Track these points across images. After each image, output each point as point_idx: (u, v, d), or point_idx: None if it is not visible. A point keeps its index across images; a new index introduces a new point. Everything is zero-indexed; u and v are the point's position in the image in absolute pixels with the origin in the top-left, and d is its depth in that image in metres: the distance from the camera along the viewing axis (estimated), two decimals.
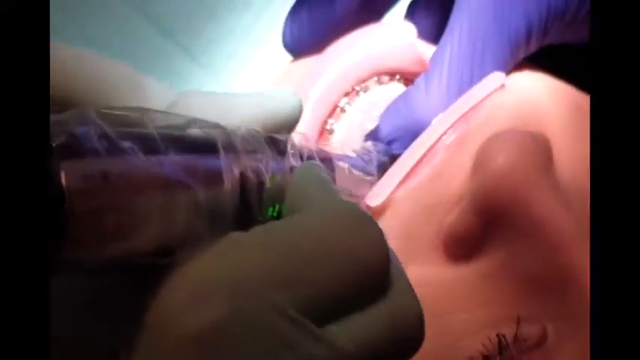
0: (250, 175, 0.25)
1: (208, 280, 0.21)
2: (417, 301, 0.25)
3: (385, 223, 0.33)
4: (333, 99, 0.39)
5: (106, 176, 0.20)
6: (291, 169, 0.27)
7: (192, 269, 0.22)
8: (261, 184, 0.25)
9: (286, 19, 0.43)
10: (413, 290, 0.25)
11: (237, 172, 0.24)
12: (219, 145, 0.24)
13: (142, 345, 0.21)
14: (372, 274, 0.23)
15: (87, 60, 0.26)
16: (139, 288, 0.22)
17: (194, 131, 0.24)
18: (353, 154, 0.34)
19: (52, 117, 0.21)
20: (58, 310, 0.22)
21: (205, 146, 0.24)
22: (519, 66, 0.37)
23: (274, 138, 0.27)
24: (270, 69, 0.64)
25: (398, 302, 0.24)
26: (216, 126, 0.25)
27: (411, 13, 0.43)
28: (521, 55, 0.36)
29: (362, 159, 0.35)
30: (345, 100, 0.39)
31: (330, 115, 0.39)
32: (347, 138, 0.39)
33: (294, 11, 0.43)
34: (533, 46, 0.36)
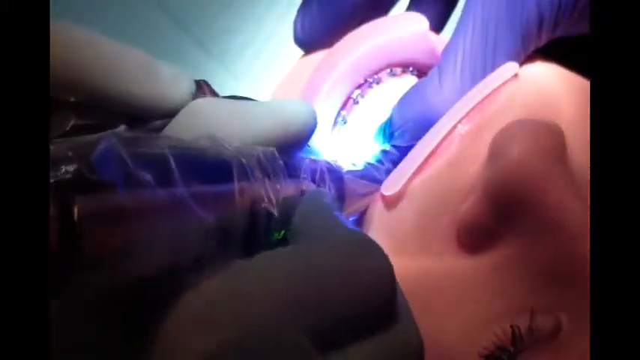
0: (261, 201, 0.25)
1: (213, 307, 0.22)
2: (420, 338, 0.25)
3: (400, 213, 0.34)
4: (345, 91, 0.39)
5: (120, 213, 0.20)
6: (302, 192, 0.28)
7: (198, 296, 0.22)
8: (270, 210, 0.25)
9: (297, 13, 0.43)
10: (417, 327, 0.25)
11: (248, 199, 0.25)
12: (234, 173, 0.24)
13: None
14: (375, 305, 0.23)
15: (100, 43, 0.26)
16: (147, 314, 0.22)
17: (211, 154, 0.24)
18: (361, 166, 0.35)
19: (72, 140, 0.21)
20: (65, 337, 0.22)
21: (220, 173, 0.24)
22: (531, 57, 0.37)
23: (288, 161, 0.27)
24: (281, 61, 0.63)
25: (401, 337, 0.24)
26: (235, 150, 0.25)
27: (415, 4, 0.43)
28: (533, 47, 0.36)
29: (371, 168, 0.35)
30: (358, 92, 0.39)
31: (344, 107, 0.39)
32: (360, 129, 0.39)
33: (304, 5, 0.42)
34: (544, 38, 0.36)
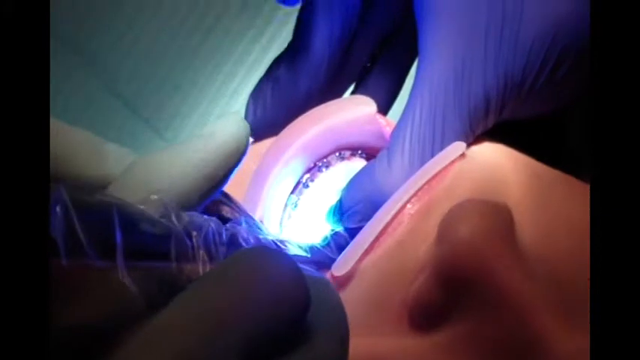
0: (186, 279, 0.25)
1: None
2: (338, 353, 0.25)
3: (351, 293, 0.33)
4: (295, 176, 0.39)
5: (52, 277, 0.20)
6: None
7: (120, 352, 0.21)
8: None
9: (249, 98, 0.43)
10: (336, 343, 0.25)
11: (186, 279, 0.24)
12: (175, 252, 0.24)
13: None
14: (289, 318, 0.23)
15: (53, 128, 0.26)
16: None
17: (158, 229, 0.24)
18: (308, 251, 0.35)
19: None
20: None
21: (164, 251, 0.24)
22: (478, 138, 0.37)
23: (234, 235, 0.28)
24: None
25: (315, 352, 0.24)
26: (183, 224, 0.25)
27: (361, 87, 0.44)
28: (480, 129, 0.36)
29: (319, 252, 0.35)
30: (308, 176, 0.40)
31: (294, 191, 0.39)
32: (311, 213, 0.39)
33: (257, 90, 0.43)
34: (491, 120, 0.36)
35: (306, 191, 0.40)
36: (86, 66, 0.70)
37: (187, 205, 0.27)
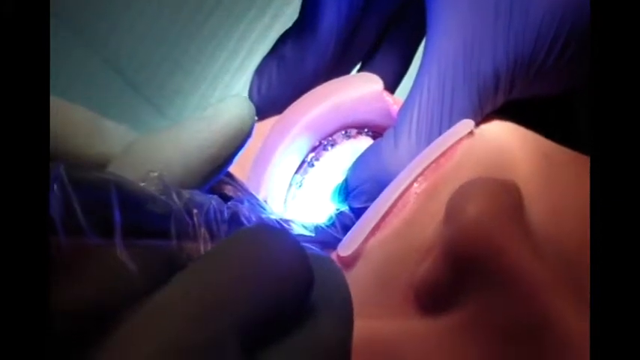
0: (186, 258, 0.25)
1: (132, 336, 0.21)
2: (341, 333, 0.25)
3: (357, 274, 0.33)
4: (300, 154, 0.40)
5: (54, 250, 0.20)
6: None
7: (118, 330, 0.21)
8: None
9: (254, 75, 0.43)
10: (340, 323, 0.25)
11: (187, 257, 0.24)
12: (175, 230, 0.24)
13: None
14: (289, 289, 0.23)
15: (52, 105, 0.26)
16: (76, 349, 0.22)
17: (158, 207, 0.24)
18: (312, 230, 0.35)
19: None
20: None
21: (164, 229, 0.24)
22: (487, 117, 0.37)
23: (235, 213, 0.28)
24: None
25: (318, 331, 0.24)
26: (184, 202, 0.25)
27: (368, 64, 0.44)
28: (489, 108, 0.37)
29: (323, 232, 0.35)
30: (313, 155, 0.40)
31: (298, 170, 0.40)
32: (316, 192, 0.39)
33: (262, 67, 0.43)
34: (501, 99, 0.37)
35: (311, 170, 0.40)
36: (87, 44, 0.70)
37: (189, 186, 0.27)
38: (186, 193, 0.25)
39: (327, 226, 0.35)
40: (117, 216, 0.22)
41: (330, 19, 0.41)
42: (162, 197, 0.24)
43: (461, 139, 0.35)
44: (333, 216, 0.36)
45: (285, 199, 0.39)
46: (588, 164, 0.34)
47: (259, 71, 0.43)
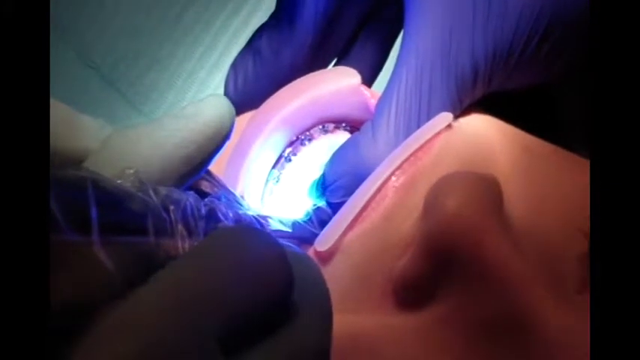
0: (176, 256, 0.25)
1: (109, 335, 0.21)
2: (321, 332, 0.25)
3: (335, 269, 0.34)
4: (277, 149, 0.40)
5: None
6: None
7: (94, 329, 0.21)
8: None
9: (230, 70, 0.43)
10: (319, 321, 0.25)
11: (164, 253, 0.24)
12: (152, 227, 0.24)
13: None
14: (270, 292, 0.24)
15: None
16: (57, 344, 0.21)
17: (136, 204, 0.24)
18: (290, 226, 0.36)
19: None
20: None
21: (141, 226, 0.24)
22: (466, 110, 0.37)
23: (212, 210, 0.28)
24: None
25: (298, 331, 0.24)
26: (161, 198, 0.25)
27: (345, 58, 0.44)
28: (468, 100, 0.37)
29: (300, 227, 0.36)
30: (290, 149, 0.40)
31: (275, 165, 0.40)
32: (293, 187, 0.40)
33: (238, 62, 0.43)
34: (479, 91, 0.37)
35: (288, 165, 0.40)
36: (62, 40, 0.70)
37: (166, 185, 0.27)
38: (163, 190, 0.25)
39: (304, 221, 0.35)
40: (94, 213, 0.22)
41: (308, 13, 0.41)
42: (139, 194, 0.24)
43: (439, 132, 0.35)
44: (311, 211, 0.36)
45: (262, 195, 0.40)
46: (568, 157, 0.37)
47: (235, 66, 0.43)
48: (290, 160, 0.40)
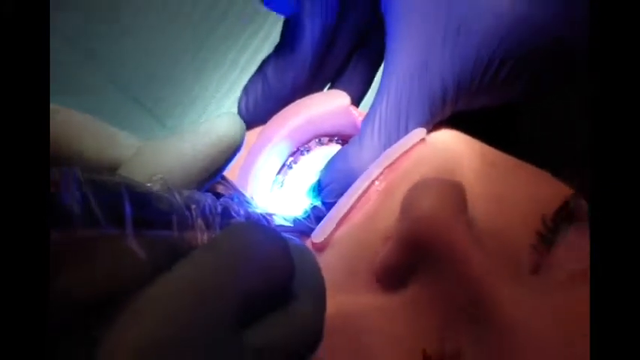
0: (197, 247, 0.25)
1: (145, 312, 0.22)
2: (316, 310, 0.26)
3: (328, 258, 0.34)
4: (281, 158, 0.40)
5: (69, 244, 0.21)
6: None
7: (130, 313, 0.22)
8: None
9: (242, 93, 0.44)
10: (315, 302, 0.26)
11: (187, 245, 0.25)
12: (177, 223, 0.24)
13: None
14: (274, 278, 0.24)
15: (63, 113, 0.27)
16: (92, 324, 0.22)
17: (163, 204, 0.24)
18: (291, 222, 0.36)
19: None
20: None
21: (168, 221, 0.24)
22: (437, 126, 0.38)
23: (226, 207, 0.28)
24: None
25: (298, 310, 0.25)
26: (184, 199, 0.25)
27: (337, 83, 0.45)
28: (438, 118, 0.38)
29: (300, 223, 0.36)
30: (291, 159, 0.41)
31: (279, 172, 0.41)
32: (294, 190, 0.40)
33: (249, 86, 0.43)
34: (448, 111, 0.38)
35: (290, 172, 0.41)
36: (98, 66, 0.69)
37: (187, 189, 0.27)
38: (185, 192, 0.26)
39: (303, 218, 0.36)
40: (128, 211, 0.22)
41: (306, 42, 0.42)
42: (166, 195, 0.25)
43: (414, 145, 0.36)
44: (309, 210, 0.37)
45: (268, 196, 0.40)
46: (524, 167, 0.37)
47: (247, 89, 0.44)
48: (291, 167, 0.41)
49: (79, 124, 0.27)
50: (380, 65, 0.45)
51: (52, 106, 0.26)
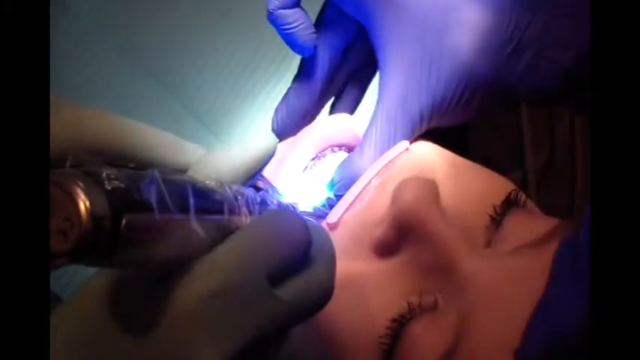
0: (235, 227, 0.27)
1: (203, 274, 0.25)
2: (329, 272, 0.28)
3: (338, 234, 0.38)
4: (304, 162, 0.45)
5: (150, 225, 0.22)
6: None
7: (192, 272, 0.25)
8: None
9: (274, 112, 0.48)
10: (328, 266, 0.28)
11: (234, 226, 0.27)
12: (228, 209, 0.26)
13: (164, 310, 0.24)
14: (296, 246, 0.27)
15: (135, 125, 0.29)
16: (164, 280, 0.25)
17: (218, 195, 0.26)
18: (312, 209, 0.40)
19: (133, 172, 0.22)
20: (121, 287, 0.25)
21: (220, 209, 0.26)
22: (417, 139, 0.43)
23: (263, 198, 0.30)
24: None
25: (315, 272, 0.28)
26: (233, 192, 0.27)
27: (338, 99, 0.50)
28: (417, 133, 0.43)
29: (319, 209, 0.40)
30: (312, 162, 0.45)
31: (304, 171, 0.45)
32: (314, 185, 0.44)
33: (278, 107, 0.48)
34: (424, 128, 0.43)
35: (310, 172, 0.45)
36: (169, 92, 0.72)
37: (235, 184, 0.29)
38: (234, 187, 0.28)
39: (321, 206, 0.41)
40: (191, 201, 0.24)
41: (317, 76, 0.47)
42: (219, 189, 0.27)
43: (401, 153, 0.41)
44: (325, 200, 0.41)
45: (295, 189, 0.43)
46: (482, 170, 0.41)
47: (276, 110, 0.48)
48: (312, 168, 0.45)
49: (158, 138, 0.29)
50: (367, 89, 0.50)
51: (115, 116, 0.27)
